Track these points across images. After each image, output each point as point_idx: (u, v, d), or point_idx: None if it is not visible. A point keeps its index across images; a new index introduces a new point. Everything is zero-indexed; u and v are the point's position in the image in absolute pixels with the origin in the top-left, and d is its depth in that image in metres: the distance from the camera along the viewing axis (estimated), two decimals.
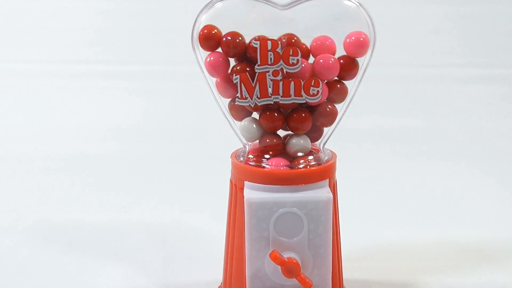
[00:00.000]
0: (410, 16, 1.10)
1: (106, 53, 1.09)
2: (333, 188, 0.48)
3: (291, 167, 0.47)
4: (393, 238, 0.65)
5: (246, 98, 0.46)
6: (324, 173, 0.46)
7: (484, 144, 0.97)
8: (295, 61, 0.45)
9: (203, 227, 0.67)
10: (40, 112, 1.04)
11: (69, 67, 1.09)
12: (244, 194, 0.45)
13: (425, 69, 1.09)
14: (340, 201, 0.51)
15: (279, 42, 0.44)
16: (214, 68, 0.46)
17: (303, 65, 0.46)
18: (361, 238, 0.64)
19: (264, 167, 0.46)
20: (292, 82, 0.45)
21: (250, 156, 0.48)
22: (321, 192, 0.46)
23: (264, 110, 0.47)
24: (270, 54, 0.45)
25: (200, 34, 0.46)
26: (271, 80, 0.45)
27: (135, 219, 0.70)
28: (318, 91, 0.45)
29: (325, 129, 0.49)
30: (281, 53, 0.45)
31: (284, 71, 0.45)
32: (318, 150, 0.49)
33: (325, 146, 0.49)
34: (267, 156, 0.47)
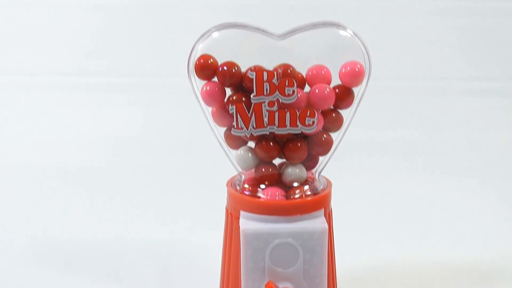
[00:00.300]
0: (408, 28, 1.11)
1: (105, 65, 1.08)
2: (328, 217, 0.48)
3: (286, 197, 0.47)
4: (390, 257, 0.64)
5: (242, 128, 0.46)
6: (319, 203, 0.47)
7: (484, 157, 0.96)
8: (290, 92, 0.45)
9: (202, 245, 0.66)
10: (35, 124, 1.04)
11: (67, 79, 1.09)
12: (240, 224, 0.45)
13: (423, 82, 1.09)
14: (335, 217, 0.50)
15: (275, 72, 0.45)
16: (210, 98, 0.46)
17: (299, 94, 0.46)
18: (356, 257, 0.63)
19: (259, 197, 0.46)
20: (288, 113, 0.45)
21: (246, 185, 0.48)
22: (316, 223, 0.46)
23: (259, 139, 0.47)
24: (266, 85, 0.45)
25: (196, 64, 0.46)
26: (267, 110, 0.45)
27: (132, 236, 0.69)
28: (313, 122, 0.45)
29: (321, 158, 0.49)
30: (277, 84, 0.45)
31: (280, 101, 0.45)
32: (313, 179, 0.49)
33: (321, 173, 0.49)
34: (262, 186, 0.47)
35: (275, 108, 0.45)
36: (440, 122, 1.06)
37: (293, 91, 0.45)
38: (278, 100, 0.45)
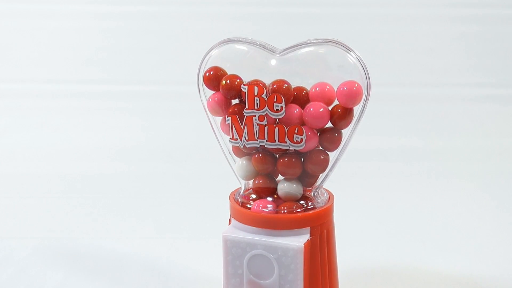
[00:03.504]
0: (408, 35, 1.09)
1: (106, 73, 1.09)
2: (321, 235, 0.47)
3: (276, 211, 0.47)
4: (389, 266, 0.63)
5: (236, 139, 0.47)
6: (303, 221, 0.46)
7: (485, 163, 0.94)
8: (279, 108, 0.45)
9: (203, 257, 0.65)
10: (36, 132, 1.05)
11: (67, 87, 1.10)
12: (224, 230, 0.48)
13: (423, 89, 1.07)
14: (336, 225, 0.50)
15: (264, 88, 0.45)
16: (217, 107, 0.49)
17: (295, 111, 0.46)
18: (355, 266, 0.62)
19: (248, 207, 0.48)
20: (276, 128, 0.46)
21: (242, 195, 0.49)
22: (294, 240, 0.45)
23: (256, 151, 0.48)
24: (257, 99, 0.46)
25: (206, 75, 0.49)
26: (257, 124, 0.46)
27: (133, 246, 0.69)
28: (301, 139, 0.45)
29: (321, 175, 0.48)
30: (266, 99, 0.45)
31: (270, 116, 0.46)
32: (311, 196, 0.48)
33: (321, 191, 0.49)
34: (254, 196, 0.48)
35: (264, 122, 0.46)
36: (441, 128, 1.03)
37: (281, 107, 0.45)
38: (267, 114, 0.46)
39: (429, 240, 0.69)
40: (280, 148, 0.46)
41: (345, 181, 0.58)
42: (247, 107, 0.46)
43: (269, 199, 0.48)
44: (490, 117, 1.04)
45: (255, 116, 0.46)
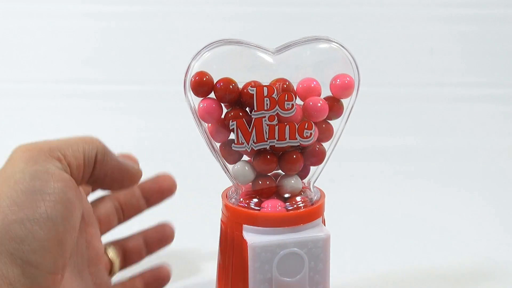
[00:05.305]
0: (407, 35, 1.12)
1: (106, 73, 1.08)
2: (324, 224, 0.50)
3: (286, 208, 0.48)
4: (385, 269, 0.64)
5: (242, 144, 0.46)
6: (317, 212, 0.48)
7: (483, 164, 0.95)
8: (290, 106, 0.46)
9: (193, 258, 0.65)
10: (36, 132, 0.94)
11: (67, 87, 1.09)
12: (246, 239, 0.46)
13: (424, 88, 1.10)
14: (332, 227, 0.50)
15: (274, 88, 0.46)
16: (207, 114, 0.47)
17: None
18: (350, 269, 0.64)
19: (262, 210, 0.47)
20: (287, 126, 0.46)
21: (246, 199, 0.48)
22: (319, 231, 0.47)
23: (258, 153, 0.48)
24: (266, 100, 0.46)
25: (192, 81, 0.46)
26: (267, 125, 0.46)
27: None
28: (311, 133, 0.47)
29: (315, 168, 0.50)
30: (276, 99, 0.46)
31: (280, 115, 0.46)
32: (309, 189, 0.50)
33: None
34: (261, 198, 0.48)
35: (275, 122, 0.46)
36: (440, 128, 1.05)
37: (292, 105, 0.46)
38: (277, 114, 0.46)
39: (429, 241, 0.69)
40: (289, 146, 0.47)
41: (343, 181, 0.58)
42: (255, 108, 0.45)
43: (274, 197, 0.48)
44: (490, 117, 1.06)
45: (265, 117, 0.46)
